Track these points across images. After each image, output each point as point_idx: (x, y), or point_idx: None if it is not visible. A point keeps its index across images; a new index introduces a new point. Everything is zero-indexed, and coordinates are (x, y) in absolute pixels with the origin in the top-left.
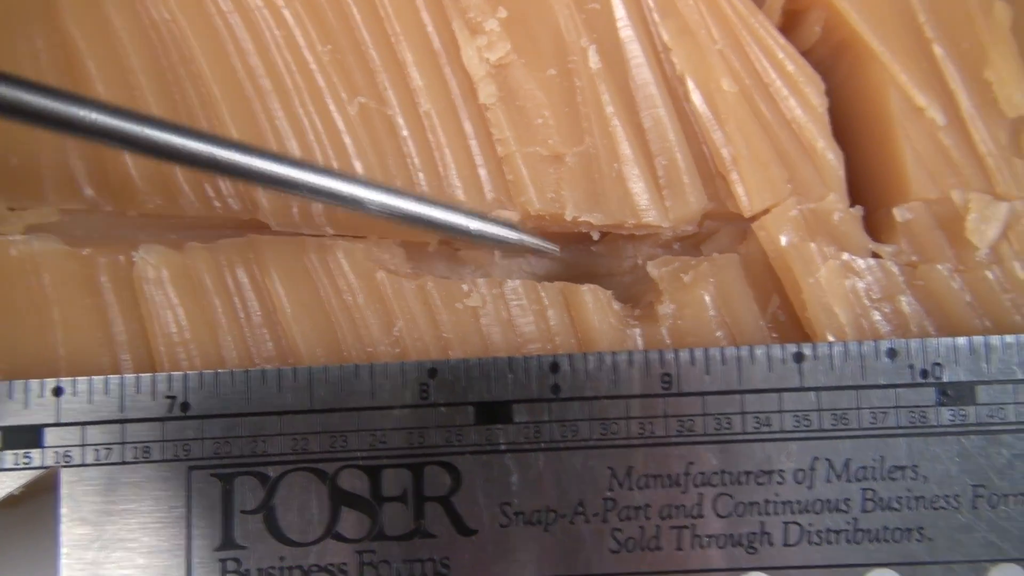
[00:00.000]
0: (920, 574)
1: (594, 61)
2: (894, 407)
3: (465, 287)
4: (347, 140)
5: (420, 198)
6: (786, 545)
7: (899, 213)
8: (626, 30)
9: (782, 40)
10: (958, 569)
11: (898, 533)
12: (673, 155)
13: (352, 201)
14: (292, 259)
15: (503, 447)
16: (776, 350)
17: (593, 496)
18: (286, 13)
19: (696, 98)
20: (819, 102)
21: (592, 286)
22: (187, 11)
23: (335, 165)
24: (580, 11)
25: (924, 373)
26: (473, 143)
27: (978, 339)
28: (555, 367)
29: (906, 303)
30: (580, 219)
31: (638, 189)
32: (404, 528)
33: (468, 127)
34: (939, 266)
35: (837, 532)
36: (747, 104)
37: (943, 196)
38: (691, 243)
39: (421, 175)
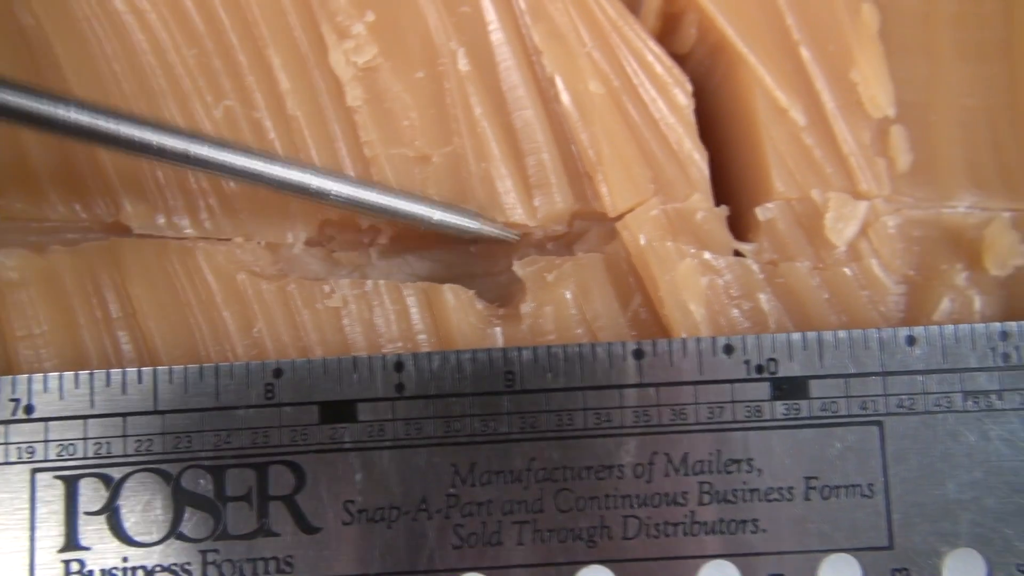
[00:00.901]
0: (755, 565)
1: (463, 64)
2: (731, 402)
3: (327, 288)
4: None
5: (382, 188)
6: (625, 538)
7: (761, 212)
8: (497, 33)
9: (652, 43)
10: (792, 559)
11: (733, 525)
12: (541, 156)
13: (317, 192)
14: (154, 262)
15: (348, 445)
16: (617, 347)
17: (436, 493)
18: (151, 17)
19: (565, 100)
20: (686, 104)
21: (454, 286)
22: (52, 15)
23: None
24: (451, 14)
25: (760, 368)
26: (340, 145)
27: (811, 335)
28: (400, 366)
29: (765, 300)
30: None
31: (505, 189)
32: (248, 527)
33: (336, 129)
34: (798, 264)
35: (675, 525)
36: (615, 106)
37: (804, 195)
38: (563, 243)
39: None
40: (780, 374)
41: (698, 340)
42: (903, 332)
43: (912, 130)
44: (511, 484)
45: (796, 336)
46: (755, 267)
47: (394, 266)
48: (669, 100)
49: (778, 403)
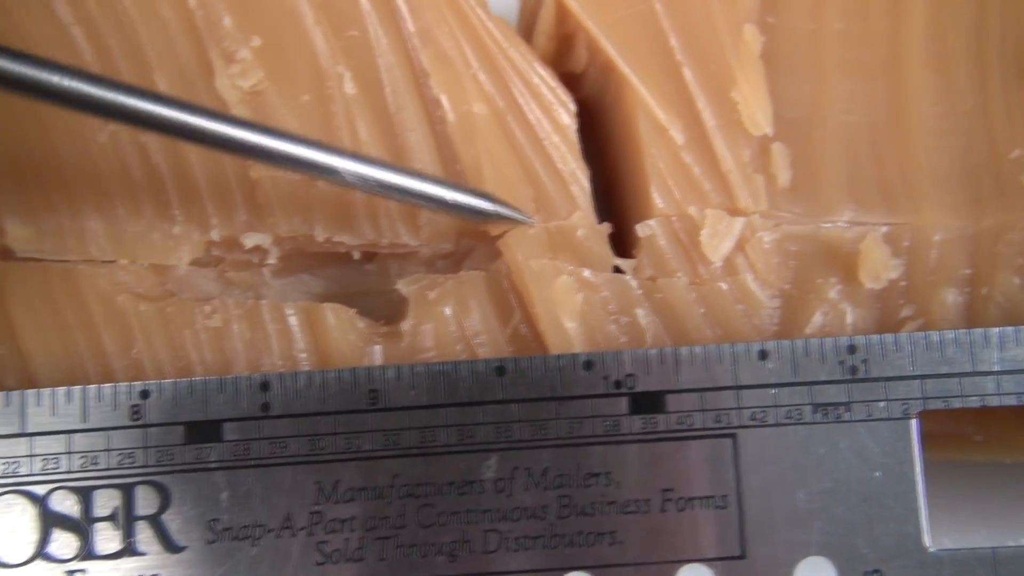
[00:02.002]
0: None
1: (350, 87)
2: (590, 417)
3: (207, 308)
4: (98, 167)
5: (395, 168)
6: (486, 552)
7: (640, 229)
8: (385, 56)
9: (537, 65)
10: (648, 570)
11: (592, 537)
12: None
13: (328, 171)
14: (35, 285)
15: (213, 465)
16: (479, 364)
17: (300, 510)
18: (36, 42)
19: (450, 121)
20: (569, 123)
21: (335, 305)
22: None
23: (85, 196)
24: (338, 39)
25: (618, 384)
26: (227, 167)
27: (668, 350)
28: (265, 386)
29: (642, 315)
30: (333, 240)
31: (390, 209)
32: (114, 547)
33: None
34: (676, 279)
35: (534, 538)
36: (499, 126)
37: (682, 212)
38: (452, 261)
39: (174, 200)
40: (638, 389)
41: (559, 357)
42: (755, 347)
43: (795, 147)
44: (374, 500)
45: (653, 352)
46: (633, 283)
47: (289, 285)
48: (553, 120)
49: (636, 417)
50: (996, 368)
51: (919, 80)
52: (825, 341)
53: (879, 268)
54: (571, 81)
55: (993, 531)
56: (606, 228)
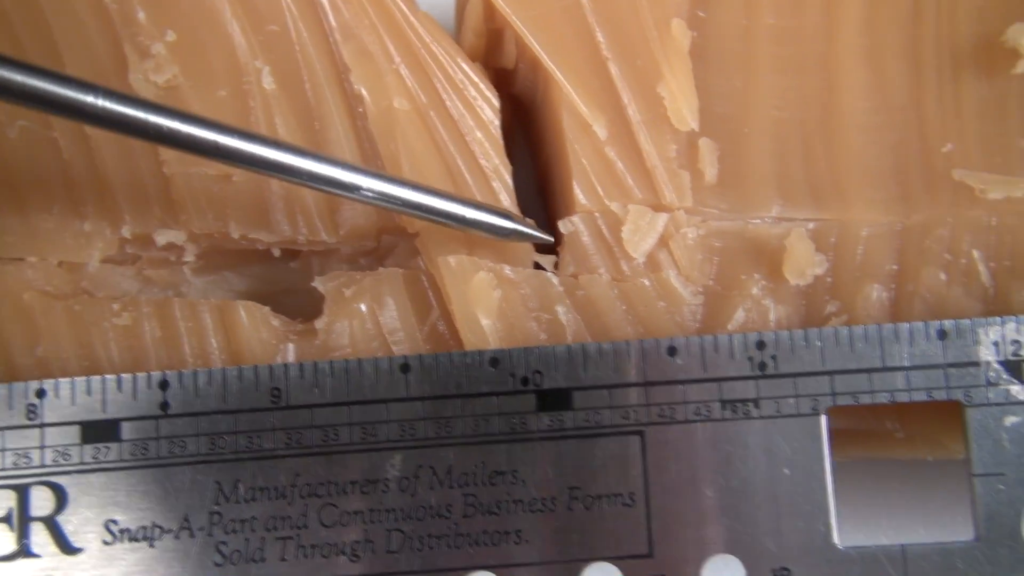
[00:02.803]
0: (517, 575)
1: (268, 82)
2: (496, 414)
3: (115, 306)
4: (7, 162)
5: (415, 186)
6: (389, 552)
7: (562, 225)
8: (305, 51)
9: (461, 60)
10: (554, 568)
11: (497, 536)
12: None
13: (348, 187)
14: None
15: (110, 465)
16: (384, 362)
17: (199, 511)
18: None
19: (371, 115)
20: (492, 119)
21: (248, 303)
22: None
23: None
24: (257, 33)
25: (525, 380)
26: (141, 164)
27: (576, 346)
28: (164, 384)
29: (563, 312)
30: (249, 236)
31: (307, 206)
32: (7, 549)
33: (135, 146)
34: (598, 276)
35: (438, 537)
36: (420, 122)
37: (605, 208)
38: (376, 258)
39: (86, 196)
40: (545, 386)
41: (464, 354)
42: (664, 343)
43: (724, 143)
44: (275, 500)
45: (561, 348)
46: (554, 280)
47: (211, 283)
48: (476, 115)
49: (543, 415)
50: (906, 363)
51: (852, 76)
52: (735, 337)
53: (803, 264)
54: (503, 77)
55: (902, 529)
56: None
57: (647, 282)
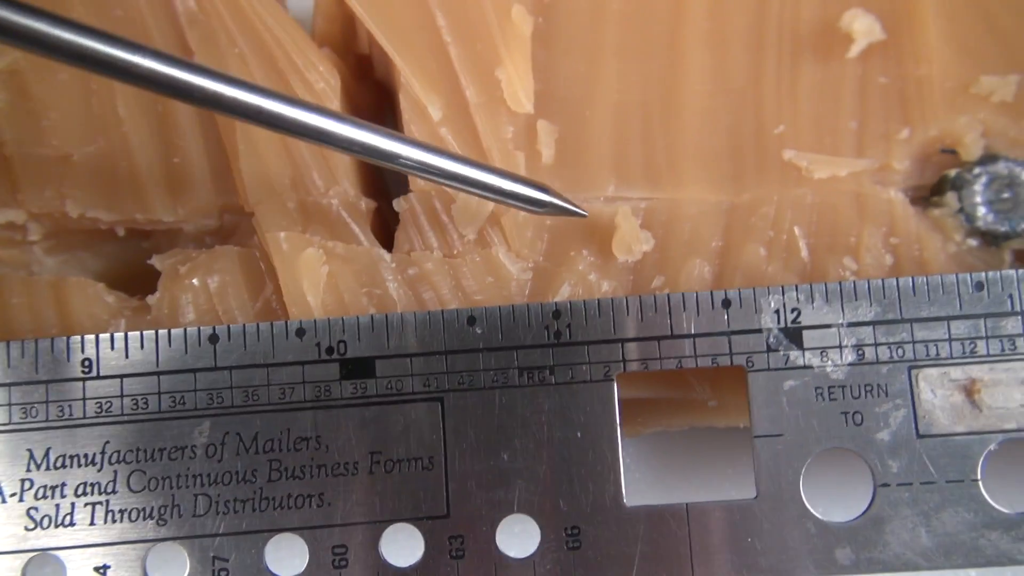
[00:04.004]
0: (320, 537)
1: None
2: (301, 382)
3: None
4: None
5: (454, 156)
6: (195, 516)
7: (396, 204)
8: (153, 36)
9: (303, 44)
10: (355, 530)
11: (300, 499)
12: (188, 153)
13: (388, 156)
14: None
15: None
16: (193, 332)
17: (11, 478)
18: None
19: None
20: (331, 100)
21: (82, 279)
22: None
23: None
24: (103, 17)
25: (330, 350)
26: None
27: (379, 316)
28: None
29: (394, 289)
30: (87, 215)
31: (149, 186)
32: None
33: None
34: (429, 252)
35: (243, 501)
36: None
37: (438, 187)
38: (221, 237)
39: None
40: (349, 355)
41: (272, 324)
42: (464, 312)
43: (565, 125)
44: (85, 467)
45: (364, 318)
46: (387, 256)
47: (64, 263)
48: (316, 97)
49: (346, 383)
50: (692, 331)
51: (695, 59)
52: (531, 306)
53: (630, 241)
54: (366, 63)
55: (688, 489)
56: (366, 203)
57: (476, 259)
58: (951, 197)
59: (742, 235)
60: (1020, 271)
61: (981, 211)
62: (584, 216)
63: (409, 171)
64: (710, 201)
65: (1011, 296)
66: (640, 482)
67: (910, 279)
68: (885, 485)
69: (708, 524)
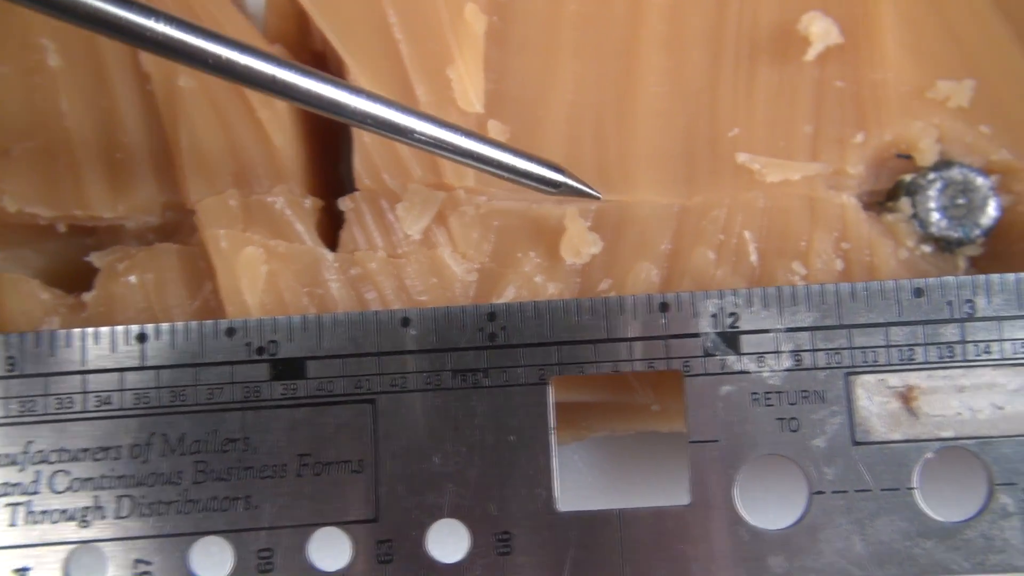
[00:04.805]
0: (246, 540)
1: (55, 59)
2: (230, 383)
3: None
4: None
5: (469, 133)
6: (119, 517)
7: (341, 203)
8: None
9: (254, 41)
10: (282, 534)
11: (227, 502)
12: (131, 149)
13: (403, 130)
14: None
15: None
16: (119, 332)
17: None
18: None
19: (158, 94)
20: (281, 101)
21: (16, 276)
22: None
23: None
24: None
25: (260, 350)
26: None
27: (312, 317)
28: None
29: (336, 288)
30: (25, 211)
31: (89, 182)
32: None
33: None
34: (373, 252)
35: (168, 503)
36: (206, 100)
37: (384, 187)
38: (164, 234)
39: None
40: (280, 355)
41: (201, 323)
42: (399, 313)
43: (518, 125)
44: (7, 467)
45: (297, 318)
46: (329, 256)
47: (6, 260)
48: (265, 96)
49: (276, 383)
50: (629, 334)
51: (651, 61)
52: (466, 308)
53: (578, 243)
54: (320, 60)
55: (631, 494)
56: (310, 202)
57: (421, 259)
58: (905, 202)
59: (692, 238)
60: (959, 278)
61: (935, 217)
62: (599, 199)
63: (422, 147)
64: (661, 204)
65: (950, 303)
66: (580, 487)
67: (849, 285)
68: (820, 493)
69: (640, 530)
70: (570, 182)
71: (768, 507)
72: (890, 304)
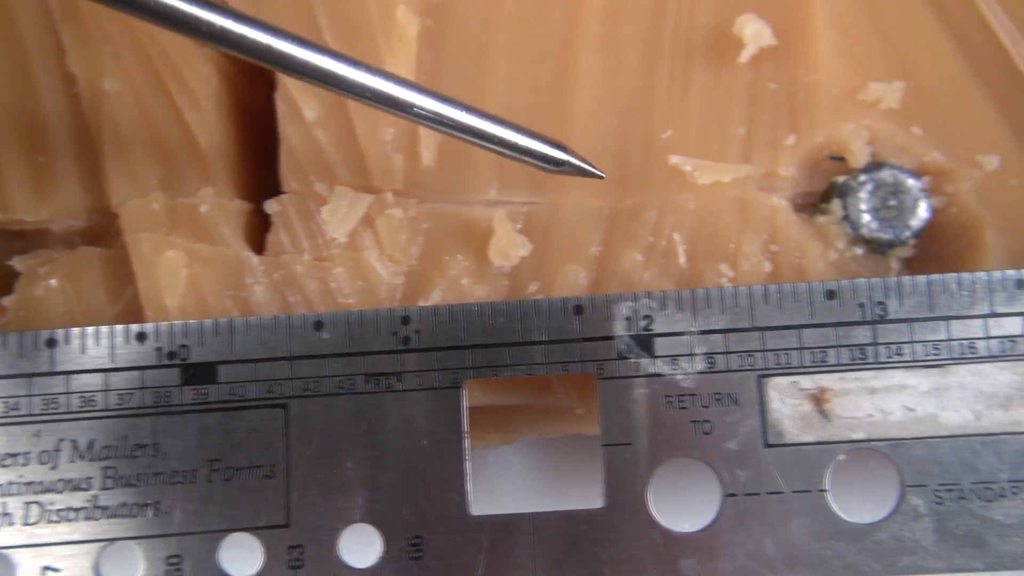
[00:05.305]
0: (156, 546)
1: None
2: (140, 388)
3: None
4: None
5: (470, 108)
6: (26, 524)
7: (267, 206)
8: (27, 29)
9: (182, 43)
10: (192, 540)
11: (136, 508)
12: (56, 151)
13: (402, 105)
14: None
15: None
16: (28, 337)
17: None
18: None
19: (84, 96)
20: (205, 99)
21: None
22: None
23: None
24: None
25: (171, 355)
26: None
27: (224, 321)
28: None
29: (260, 292)
30: None
31: (12, 185)
32: None
33: None
34: (299, 256)
35: (76, 510)
36: (133, 102)
37: (311, 190)
38: (90, 238)
39: None
40: (191, 360)
41: (111, 328)
42: (311, 317)
43: None
44: None
45: (208, 322)
46: (254, 260)
47: None
48: (191, 98)
49: (187, 388)
50: (544, 338)
51: (587, 64)
52: (380, 312)
53: (506, 246)
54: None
55: (545, 499)
56: (238, 205)
57: (347, 262)
58: (836, 204)
59: (622, 241)
60: (871, 280)
61: (865, 219)
62: (602, 178)
63: (422, 122)
64: (592, 206)
65: (862, 305)
66: (507, 490)
67: (762, 287)
68: (732, 495)
69: (553, 534)
70: (573, 160)
71: (682, 510)
72: (802, 306)
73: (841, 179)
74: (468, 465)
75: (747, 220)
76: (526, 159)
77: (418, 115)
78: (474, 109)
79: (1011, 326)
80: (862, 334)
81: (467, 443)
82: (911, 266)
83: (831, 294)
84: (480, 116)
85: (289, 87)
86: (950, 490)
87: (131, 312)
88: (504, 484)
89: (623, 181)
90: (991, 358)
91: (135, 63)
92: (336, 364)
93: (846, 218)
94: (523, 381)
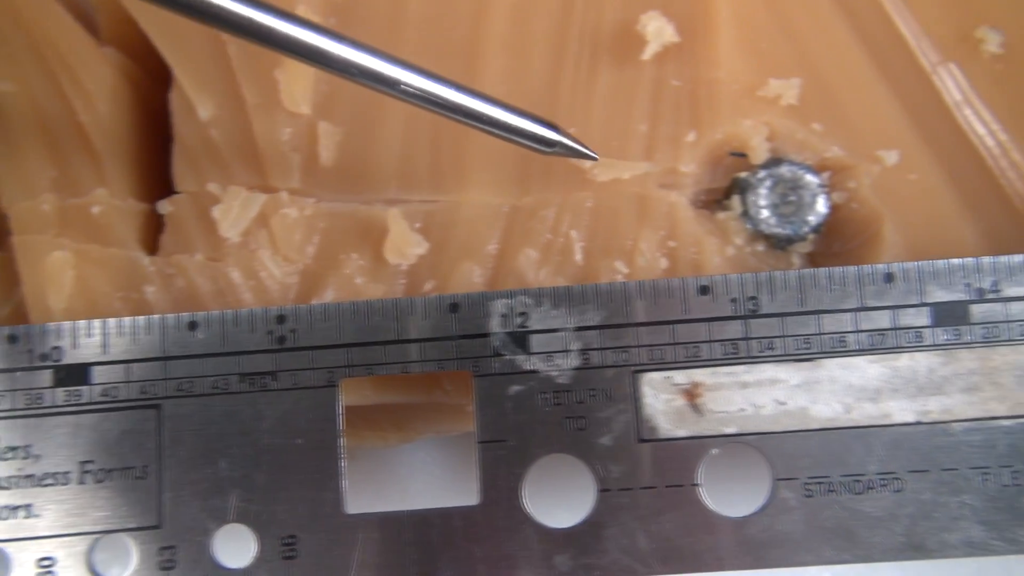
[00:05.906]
0: (28, 549)
1: None
2: (11, 390)
3: None
4: None
5: (459, 86)
6: None
7: (160, 206)
8: None
9: (80, 43)
10: (64, 542)
11: (7, 511)
12: None
13: (389, 81)
14: None
15: None
16: None
17: None
18: None
19: None
20: (97, 100)
21: None
22: None
23: None
24: None
25: (44, 356)
26: None
27: (96, 322)
28: None
29: (151, 293)
30: None
31: None
32: None
33: None
34: (191, 256)
35: None
36: (28, 104)
37: (203, 189)
38: None
39: None
40: (64, 361)
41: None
42: (185, 317)
43: (352, 126)
44: None
45: (81, 323)
46: (145, 260)
47: None
48: (85, 97)
49: (59, 390)
50: (420, 335)
51: (493, 63)
52: (255, 311)
53: (402, 244)
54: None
55: (422, 497)
56: (132, 205)
57: (240, 262)
58: (736, 200)
59: (520, 239)
60: (743, 275)
61: (764, 214)
62: (596, 159)
63: (409, 100)
64: (491, 204)
65: (734, 300)
66: (384, 490)
67: (636, 283)
68: (606, 490)
69: (428, 531)
70: (566, 141)
71: (556, 505)
72: (676, 302)
73: (742, 175)
74: (343, 464)
75: (645, 217)
76: (517, 139)
77: (406, 93)
78: (465, 88)
79: (880, 319)
80: (734, 329)
81: (342, 441)
82: (814, 261)
83: (704, 289)
84: (471, 95)
85: (184, 86)
86: (820, 483)
87: (20, 314)
88: (394, 483)
89: (524, 179)
90: (861, 351)
91: (30, 64)
92: (210, 364)
93: (745, 214)
94: (413, 379)
